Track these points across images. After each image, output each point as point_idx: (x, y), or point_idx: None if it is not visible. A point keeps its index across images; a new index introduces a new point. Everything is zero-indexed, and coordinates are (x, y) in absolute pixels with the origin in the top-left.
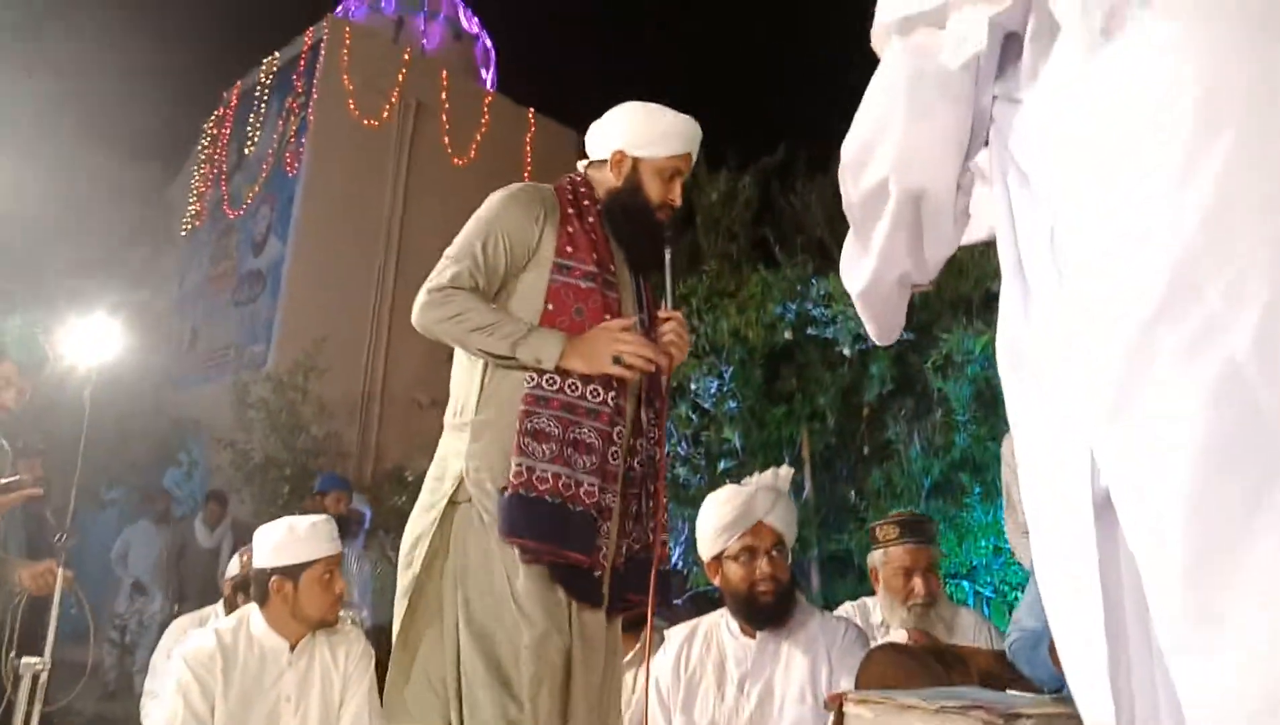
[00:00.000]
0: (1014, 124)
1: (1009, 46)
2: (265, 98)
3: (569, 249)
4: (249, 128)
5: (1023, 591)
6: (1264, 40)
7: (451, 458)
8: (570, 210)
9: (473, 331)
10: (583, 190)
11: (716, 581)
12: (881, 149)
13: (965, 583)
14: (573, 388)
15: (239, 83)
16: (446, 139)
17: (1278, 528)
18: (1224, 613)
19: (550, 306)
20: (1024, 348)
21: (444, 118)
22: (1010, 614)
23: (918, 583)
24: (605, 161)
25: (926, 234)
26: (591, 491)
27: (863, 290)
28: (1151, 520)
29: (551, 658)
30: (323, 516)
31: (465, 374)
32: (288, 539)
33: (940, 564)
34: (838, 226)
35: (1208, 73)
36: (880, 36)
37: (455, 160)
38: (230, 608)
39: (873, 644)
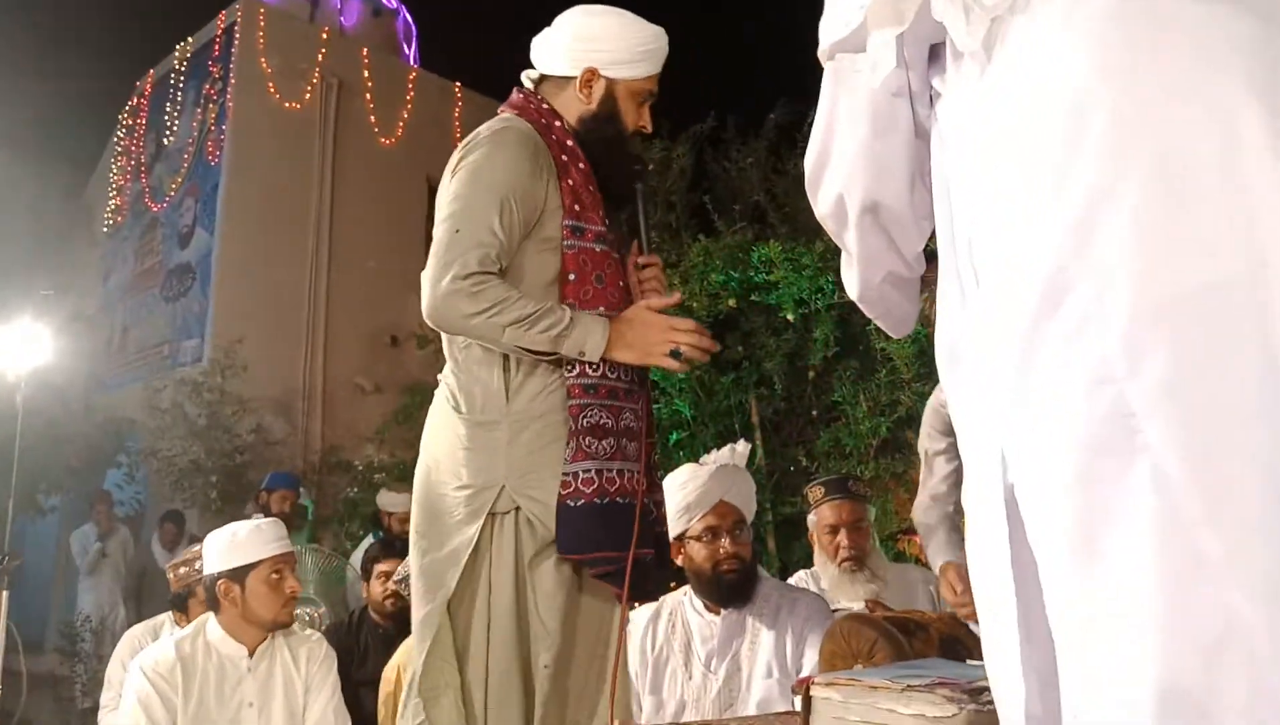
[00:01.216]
0: (942, 131)
1: (942, 56)
2: (181, 85)
3: (576, 207)
4: (166, 117)
5: None
6: (1130, 52)
7: (484, 463)
8: (563, 156)
9: (508, 326)
10: (557, 124)
11: (679, 561)
12: (830, 169)
13: (916, 537)
14: (612, 370)
15: (151, 71)
16: (372, 118)
17: (1132, 515)
18: (1094, 613)
19: (572, 276)
20: (961, 347)
21: (368, 96)
22: None
23: (843, 537)
24: (568, 79)
25: (894, 236)
26: (643, 480)
27: (859, 295)
28: (1039, 511)
29: (565, 673)
30: (268, 519)
31: (481, 360)
32: (230, 542)
33: (872, 521)
34: (774, 192)
35: (1078, 84)
36: (823, 59)
37: (382, 139)
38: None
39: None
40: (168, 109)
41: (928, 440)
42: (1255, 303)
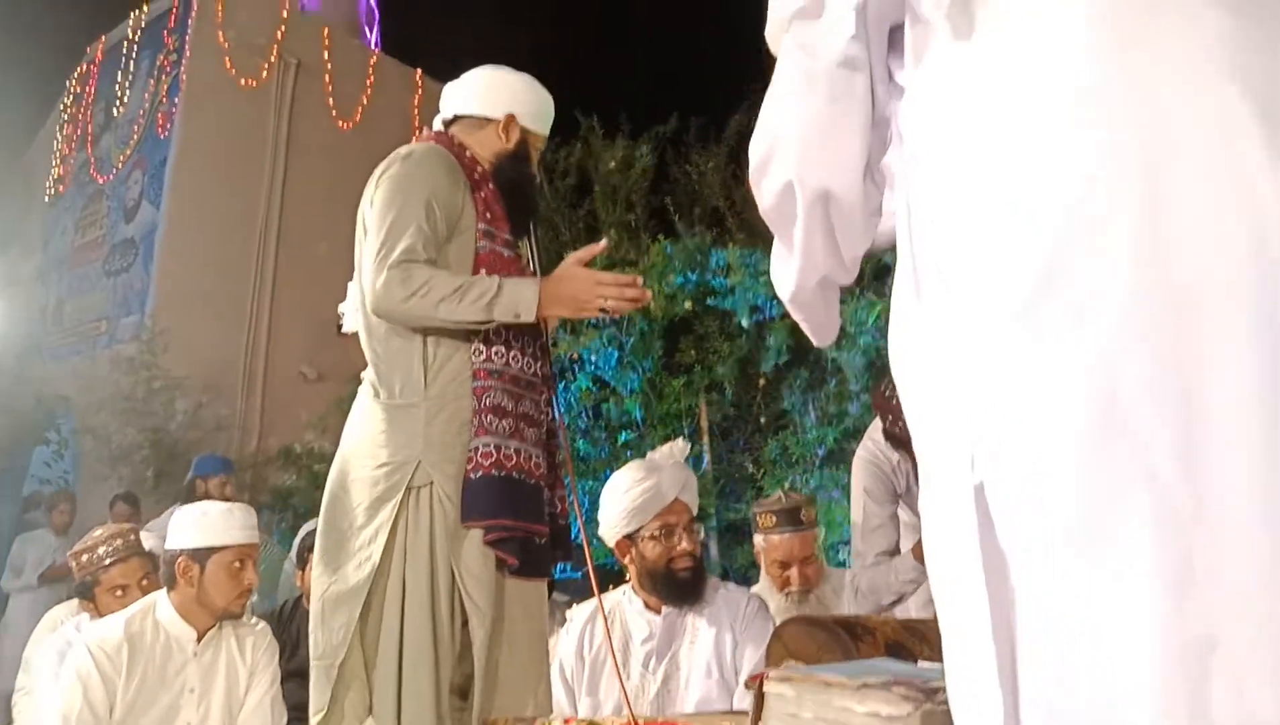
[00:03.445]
0: (904, 119)
1: (902, 44)
2: (134, 55)
3: (489, 215)
4: (117, 86)
5: None
6: (1124, 39)
7: (403, 441)
8: (475, 175)
9: (441, 302)
10: (468, 153)
11: (626, 560)
12: (781, 153)
13: None
14: (515, 360)
15: (104, 37)
16: (330, 100)
17: (1128, 514)
18: (1085, 613)
19: (483, 272)
20: (918, 344)
21: (327, 78)
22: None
23: (794, 574)
24: (488, 121)
25: (839, 233)
26: (540, 464)
27: (791, 295)
28: (1023, 508)
29: (499, 647)
30: (240, 504)
31: (401, 350)
32: (199, 521)
33: (821, 543)
34: (733, 198)
35: (1072, 69)
36: (773, 38)
37: (340, 122)
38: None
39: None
40: (119, 78)
41: (865, 503)
42: (1258, 297)
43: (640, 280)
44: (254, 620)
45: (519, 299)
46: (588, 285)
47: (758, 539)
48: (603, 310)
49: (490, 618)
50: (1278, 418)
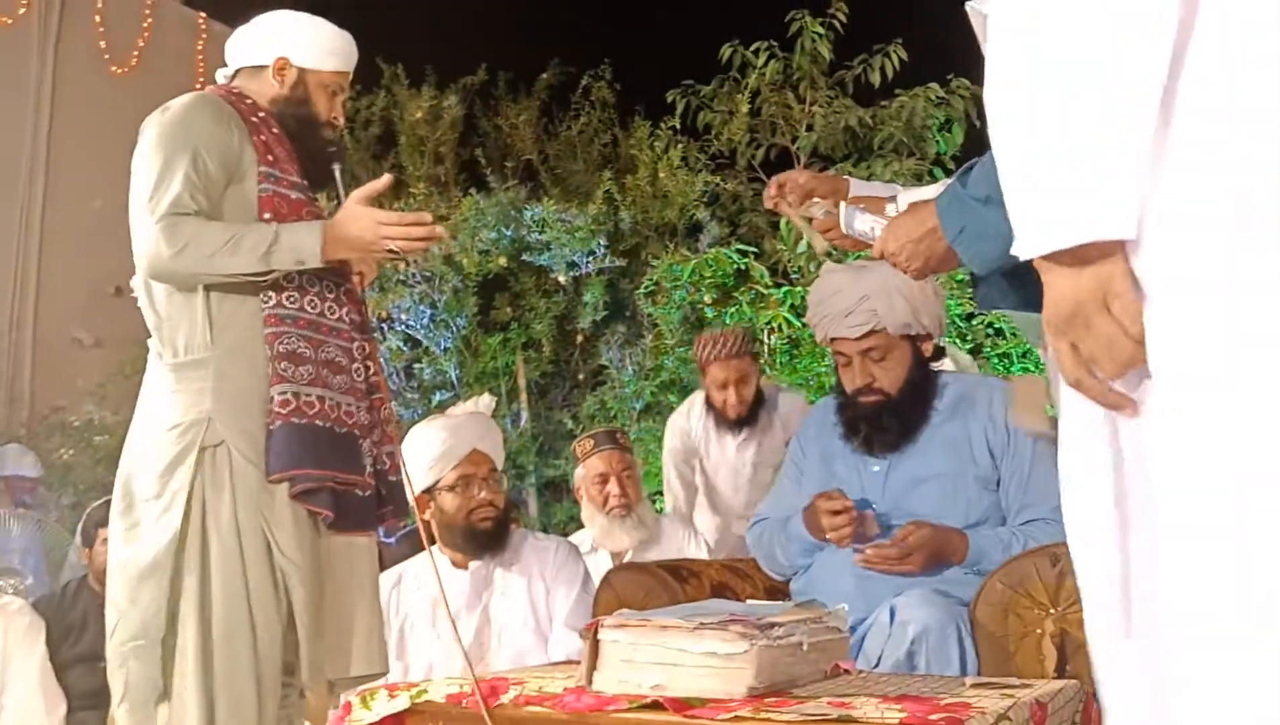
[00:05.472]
0: None
1: None
2: None
3: (270, 157)
4: None
5: None
6: None
7: (191, 399)
8: (253, 118)
9: (214, 255)
10: (247, 100)
11: (426, 515)
12: None
13: None
14: (312, 305)
15: None
16: (103, 43)
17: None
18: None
19: (268, 215)
20: None
21: (97, 18)
22: None
23: (613, 485)
24: (263, 69)
25: None
26: (351, 412)
27: None
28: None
29: (317, 606)
30: None
31: (182, 306)
32: None
33: (642, 473)
34: (546, 152)
35: None
36: None
37: (113, 68)
38: None
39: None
40: None
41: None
42: None
43: (429, 217)
44: (8, 599)
45: (298, 245)
46: (370, 225)
47: (578, 474)
48: (392, 251)
49: (309, 575)
50: None
